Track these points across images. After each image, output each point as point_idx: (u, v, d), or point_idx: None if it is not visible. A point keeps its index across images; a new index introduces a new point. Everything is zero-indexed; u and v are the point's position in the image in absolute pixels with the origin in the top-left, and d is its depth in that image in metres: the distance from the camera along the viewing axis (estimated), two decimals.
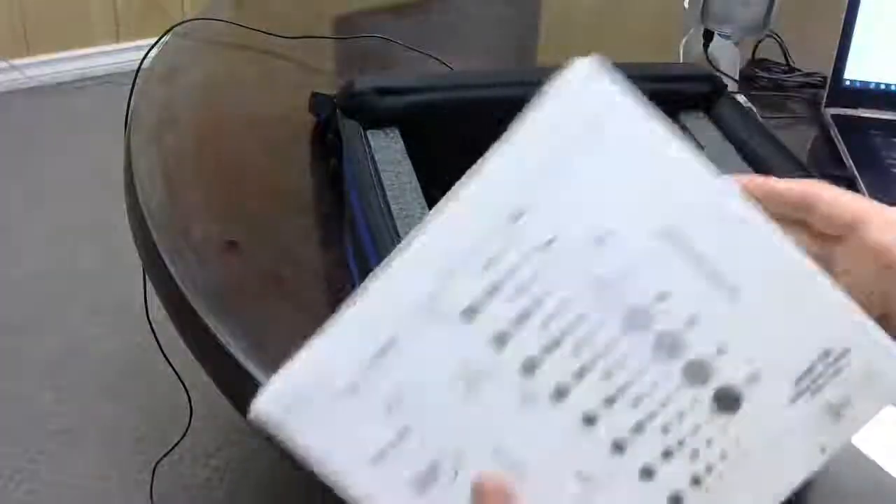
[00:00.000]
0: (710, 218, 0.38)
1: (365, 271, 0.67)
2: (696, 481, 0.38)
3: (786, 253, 0.38)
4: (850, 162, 0.93)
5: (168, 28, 1.10)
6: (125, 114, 0.97)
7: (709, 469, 0.38)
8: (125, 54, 2.61)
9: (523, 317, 0.37)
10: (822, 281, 0.39)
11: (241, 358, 0.65)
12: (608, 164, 0.37)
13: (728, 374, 0.38)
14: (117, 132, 0.95)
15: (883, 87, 1.03)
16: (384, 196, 0.68)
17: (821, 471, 0.39)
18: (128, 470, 1.52)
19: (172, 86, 1.03)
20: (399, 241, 0.59)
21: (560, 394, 0.37)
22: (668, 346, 0.38)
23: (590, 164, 0.37)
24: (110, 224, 1.68)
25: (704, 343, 0.38)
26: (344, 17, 1.21)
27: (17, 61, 2.58)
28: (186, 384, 1.22)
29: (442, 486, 0.37)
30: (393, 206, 0.67)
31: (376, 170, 0.71)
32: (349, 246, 0.73)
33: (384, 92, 0.76)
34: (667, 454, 0.38)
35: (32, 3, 2.57)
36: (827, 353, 0.38)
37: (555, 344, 0.37)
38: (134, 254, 0.82)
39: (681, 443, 0.38)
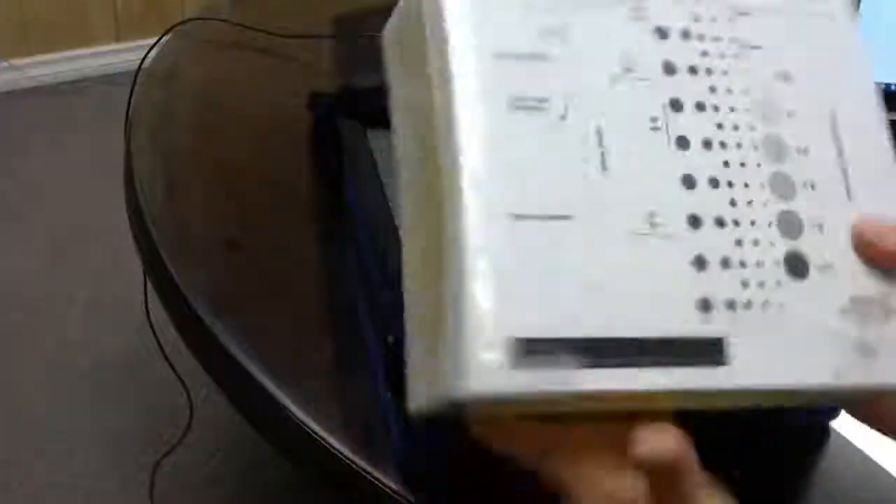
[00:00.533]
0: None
1: (364, 271, 0.67)
2: (737, 297, 0.38)
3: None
4: None
5: (168, 28, 1.10)
6: (125, 114, 0.97)
7: (752, 293, 0.39)
8: (125, 54, 2.61)
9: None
10: None
11: (241, 358, 0.65)
12: None
13: (810, 244, 0.39)
14: (117, 132, 0.95)
15: (883, 87, 1.03)
16: (383, 196, 0.68)
17: (821, 469, 0.39)
18: (128, 470, 1.52)
19: (172, 86, 1.03)
20: (398, 241, 0.59)
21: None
22: (777, 155, 0.41)
23: None
24: (110, 224, 1.68)
25: (809, 202, 0.40)
26: (344, 17, 1.21)
27: (17, 61, 2.59)
28: (186, 384, 1.22)
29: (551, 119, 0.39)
30: (392, 206, 0.67)
31: (376, 170, 0.71)
32: (349, 246, 0.73)
33: (384, 92, 0.76)
34: (726, 260, 0.39)
35: (32, 3, 2.57)
36: (889, 296, 0.40)
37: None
38: (134, 254, 0.82)
39: (744, 255, 0.39)
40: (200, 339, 0.69)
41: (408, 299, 0.41)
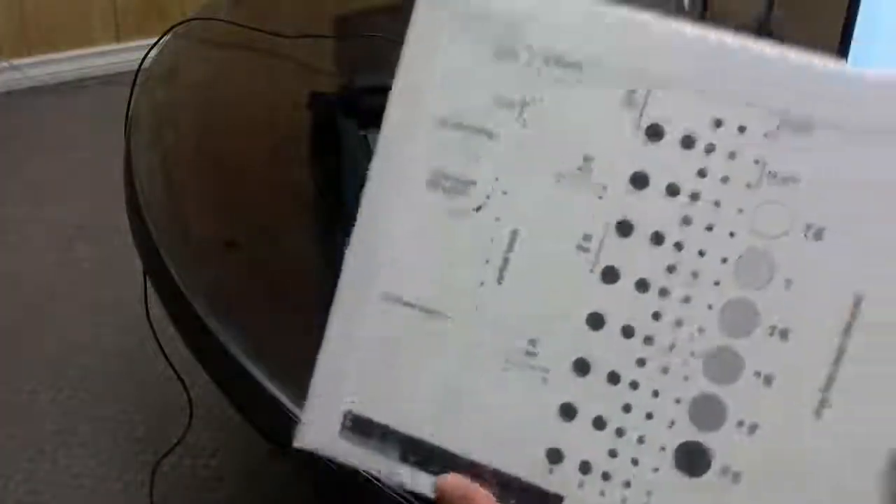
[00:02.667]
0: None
1: None
2: (596, 464, 0.33)
3: None
4: None
5: (168, 28, 1.10)
6: (125, 114, 0.97)
7: (618, 466, 0.33)
8: (125, 54, 2.60)
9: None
10: None
11: (240, 358, 0.65)
12: None
13: (725, 444, 0.31)
14: (117, 132, 0.95)
15: None
16: None
17: None
18: (128, 470, 1.52)
19: (172, 86, 1.03)
20: None
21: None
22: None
23: None
24: (110, 224, 1.68)
25: (750, 395, 0.31)
26: (344, 17, 1.21)
27: (17, 61, 2.58)
28: (186, 384, 1.22)
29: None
30: None
31: None
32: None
33: (384, 92, 0.76)
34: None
35: (32, 3, 2.57)
36: None
37: None
38: (134, 254, 0.82)
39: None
40: (200, 339, 0.69)
41: None
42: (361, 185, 0.69)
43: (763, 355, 0.31)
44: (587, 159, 0.32)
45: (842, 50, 1.03)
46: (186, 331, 0.72)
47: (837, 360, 0.30)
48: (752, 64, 0.30)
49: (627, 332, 0.32)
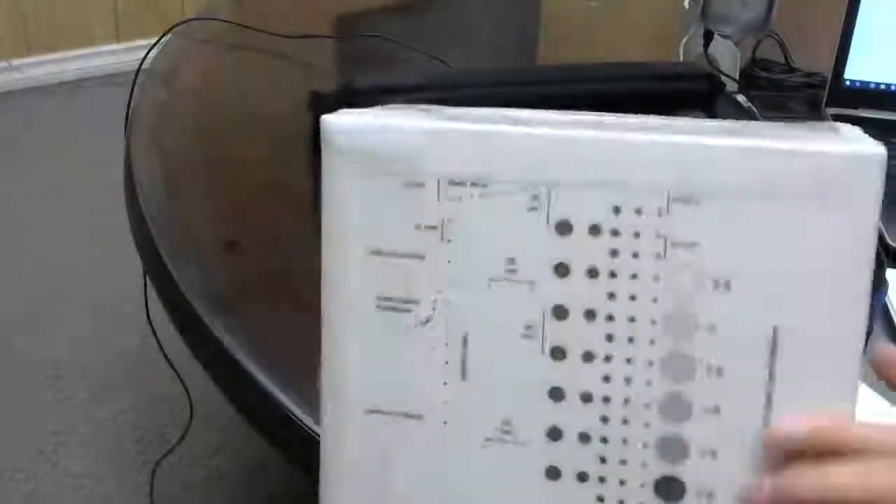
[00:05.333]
0: None
1: None
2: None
3: None
4: None
5: (168, 28, 1.10)
6: (125, 114, 0.97)
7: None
8: (125, 54, 2.61)
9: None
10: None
11: (240, 358, 0.65)
12: None
13: (694, 470, 0.36)
14: (117, 132, 0.95)
15: (883, 87, 1.03)
16: None
17: None
18: (128, 470, 1.52)
19: (172, 86, 1.03)
20: None
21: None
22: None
23: None
24: (110, 224, 1.68)
25: (706, 427, 0.36)
26: (344, 17, 1.21)
27: (17, 61, 2.58)
28: (186, 384, 1.22)
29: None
30: None
31: None
32: None
33: (384, 91, 0.76)
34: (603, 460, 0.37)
35: (32, 3, 2.57)
36: None
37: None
38: (134, 254, 0.82)
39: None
40: (200, 339, 0.69)
41: None
42: None
43: (706, 392, 0.35)
44: (510, 261, 0.36)
45: (842, 50, 1.03)
46: (186, 331, 0.72)
47: (770, 381, 0.35)
48: (632, 153, 0.35)
49: (585, 397, 0.36)
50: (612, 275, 0.35)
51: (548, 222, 0.36)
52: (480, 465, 0.37)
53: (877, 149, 0.34)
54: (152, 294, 0.80)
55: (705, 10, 0.97)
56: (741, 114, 0.83)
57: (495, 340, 0.37)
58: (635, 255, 0.35)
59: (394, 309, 0.38)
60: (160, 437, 1.53)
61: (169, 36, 1.10)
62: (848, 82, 1.03)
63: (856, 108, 1.02)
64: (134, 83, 1.00)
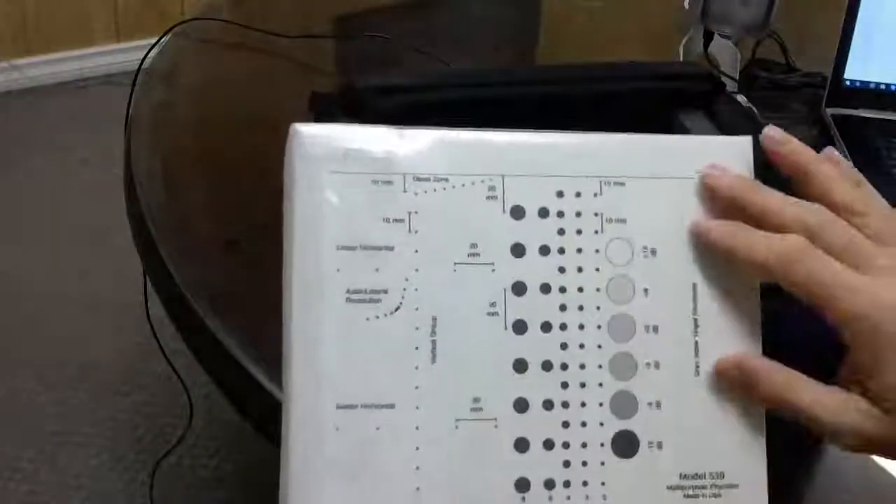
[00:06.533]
0: None
1: None
2: (556, 477, 0.40)
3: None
4: (851, 162, 0.93)
5: (168, 28, 1.10)
6: (125, 114, 0.97)
7: (572, 473, 0.40)
8: (125, 54, 2.61)
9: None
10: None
11: (241, 358, 0.65)
12: None
13: (644, 423, 0.40)
14: (117, 132, 0.95)
15: (883, 87, 1.03)
16: None
17: (821, 469, 0.39)
18: (128, 470, 1.52)
19: (172, 86, 1.03)
20: None
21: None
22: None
23: None
24: (110, 224, 1.68)
25: (649, 381, 0.41)
26: (344, 17, 1.21)
27: (17, 61, 2.59)
28: (186, 384, 1.22)
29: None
30: None
31: None
32: None
33: (384, 91, 0.76)
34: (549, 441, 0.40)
35: (32, 3, 2.57)
36: (721, 475, 0.40)
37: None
38: (134, 254, 0.82)
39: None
40: (200, 339, 0.69)
41: None
42: None
43: (646, 348, 0.40)
44: (473, 245, 0.40)
45: (842, 50, 1.03)
46: (186, 331, 0.72)
47: (695, 331, 0.41)
48: (569, 148, 0.41)
49: (546, 366, 0.40)
50: (561, 251, 0.41)
51: (504, 209, 0.40)
52: (453, 446, 0.39)
53: (745, 138, 0.43)
54: (152, 294, 0.80)
55: (705, 10, 0.97)
56: (741, 114, 0.83)
57: (462, 321, 0.40)
58: (578, 232, 0.41)
59: (364, 300, 0.39)
60: (160, 437, 1.53)
61: (169, 36, 1.10)
62: (848, 82, 1.03)
63: (856, 108, 1.02)
64: (134, 83, 1.00)
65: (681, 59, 1.04)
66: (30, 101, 2.55)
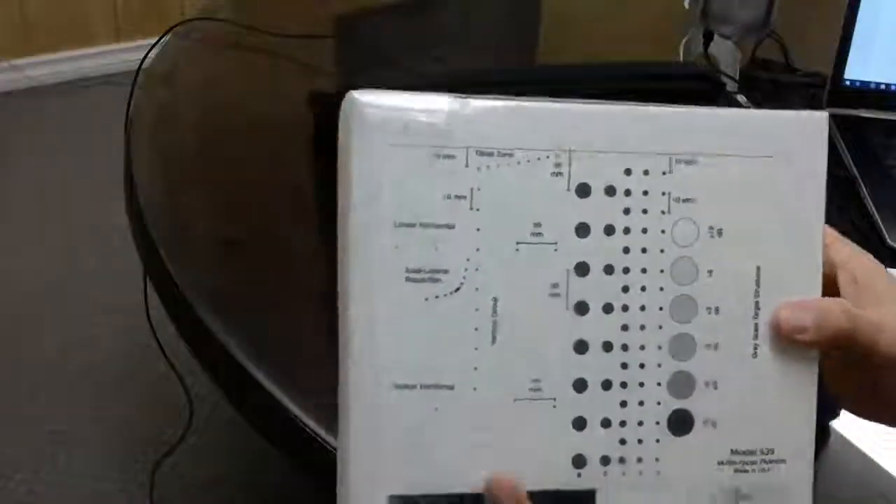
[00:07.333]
0: None
1: None
2: (612, 454, 0.40)
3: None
4: (850, 162, 0.93)
5: (168, 28, 1.10)
6: (125, 114, 0.97)
7: (628, 450, 0.40)
8: (125, 54, 2.61)
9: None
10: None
11: (240, 358, 0.65)
12: None
13: (699, 402, 0.41)
14: (117, 132, 0.95)
15: (883, 87, 1.03)
16: None
17: (821, 469, 0.39)
18: (128, 470, 1.52)
19: (172, 86, 1.03)
20: None
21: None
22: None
23: None
24: (110, 224, 1.68)
25: (707, 362, 0.41)
26: (344, 17, 1.21)
27: (17, 61, 2.58)
28: (186, 384, 1.22)
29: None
30: None
31: None
32: None
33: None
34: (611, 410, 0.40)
35: (32, 3, 2.57)
36: (771, 451, 0.41)
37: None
38: (134, 254, 0.82)
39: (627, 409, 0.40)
40: (200, 339, 0.69)
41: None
42: None
43: (706, 329, 0.40)
44: (536, 224, 0.39)
45: (842, 50, 1.03)
46: (186, 331, 0.72)
47: (756, 314, 0.41)
48: (640, 122, 0.40)
49: (606, 346, 0.40)
50: (626, 231, 0.40)
51: (569, 186, 0.39)
52: (511, 426, 0.39)
53: (821, 113, 0.42)
54: (152, 294, 0.80)
55: (705, 10, 0.97)
56: None
57: (523, 302, 0.39)
58: (644, 212, 0.40)
59: (423, 280, 0.39)
60: (160, 437, 1.53)
61: (169, 36, 1.10)
62: (848, 82, 1.03)
63: (856, 108, 1.02)
64: (134, 83, 1.00)
65: (681, 59, 1.04)
66: (30, 101, 2.55)
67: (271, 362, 0.64)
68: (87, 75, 2.66)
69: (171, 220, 0.79)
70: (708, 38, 0.99)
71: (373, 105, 0.38)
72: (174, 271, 0.73)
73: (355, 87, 0.40)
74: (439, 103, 0.39)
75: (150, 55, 1.06)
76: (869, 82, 1.03)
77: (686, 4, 1.02)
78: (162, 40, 1.10)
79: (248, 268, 0.75)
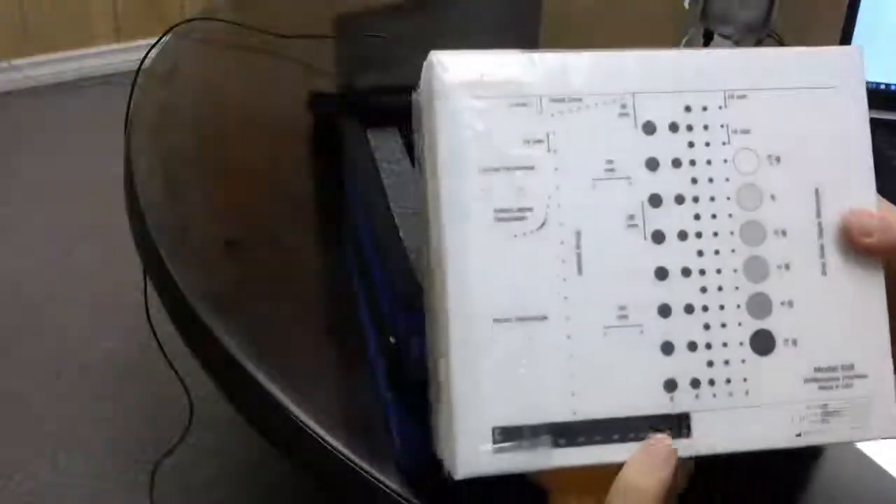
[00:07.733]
0: None
1: (364, 271, 0.67)
2: (701, 376, 0.42)
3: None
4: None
5: (168, 28, 1.10)
6: (125, 114, 0.97)
7: (716, 372, 0.42)
8: (125, 54, 2.61)
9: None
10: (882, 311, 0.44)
11: (240, 358, 0.65)
12: None
13: (779, 322, 0.43)
14: (117, 132, 0.95)
15: (883, 87, 1.03)
16: (384, 195, 0.68)
17: (821, 469, 0.39)
18: (128, 470, 1.52)
19: (172, 86, 1.03)
20: (399, 241, 0.59)
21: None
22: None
23: None
24: (110, 224, 1.69)
25: (781, 282, 0.43)
26: (344, 17, 1.21)
27: (17, 61, 2.58)
28: (186, 384, 1.22)
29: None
30: (393, 206, 0.67)
31: (376, 169, 0.71)
32: (349, 246, 0.73)
33: (384, 92, 0.76)
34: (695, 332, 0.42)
35: (32, 3, 2.57)
36: (851, 367, 0.43)
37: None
38: (134, 254, 0.82)
39: (711, 338, 0.42)
40: (200, 339, 0.69)
41: (428, 328, 0.44)
42: (361, 185, 0.69)
43: (776, 251, 0.43)
44: (609, 161, 0.42)
45: None
46: (186, 331, 0.72)
47: (820, 233, 0.43)
48: (693, 63, 0.44)
49: (685, 272, 0.42)
50: (692, 163, 0.43)
51: (636, 125, 0.42)
52: (604, 353, 0.42)
53: (854, 47, 0.47)
54: (152, 294, 0.80)
55: (705, 10, 0.97)
56: None
57: (604, 234, 0.42)
58: (707, 145, 0.43)
59: (511, 219, 0.42)
60: (160, 437, 1.53)
61: (169, 36, 1.10)
62: None
63: None
64: (134, 83, 1.00)
65: None
66: (30, 101, 2.55)
67: (271, 362, 0.64)
68: (87, 75, 2.66)
69: (171, 221, 0.79)
70: (708, 38, 0.99)
71: (453, 65, 0.42)
72: (174, 271, 0.73)
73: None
74: (512, 59, 0.42)
75: (150, 55, 1.06)
76: (869, 82, 1.02)
77: (686, 4, 1.02)
78: (162, 40, 1.10)
79: (248, 268, 0.75)
